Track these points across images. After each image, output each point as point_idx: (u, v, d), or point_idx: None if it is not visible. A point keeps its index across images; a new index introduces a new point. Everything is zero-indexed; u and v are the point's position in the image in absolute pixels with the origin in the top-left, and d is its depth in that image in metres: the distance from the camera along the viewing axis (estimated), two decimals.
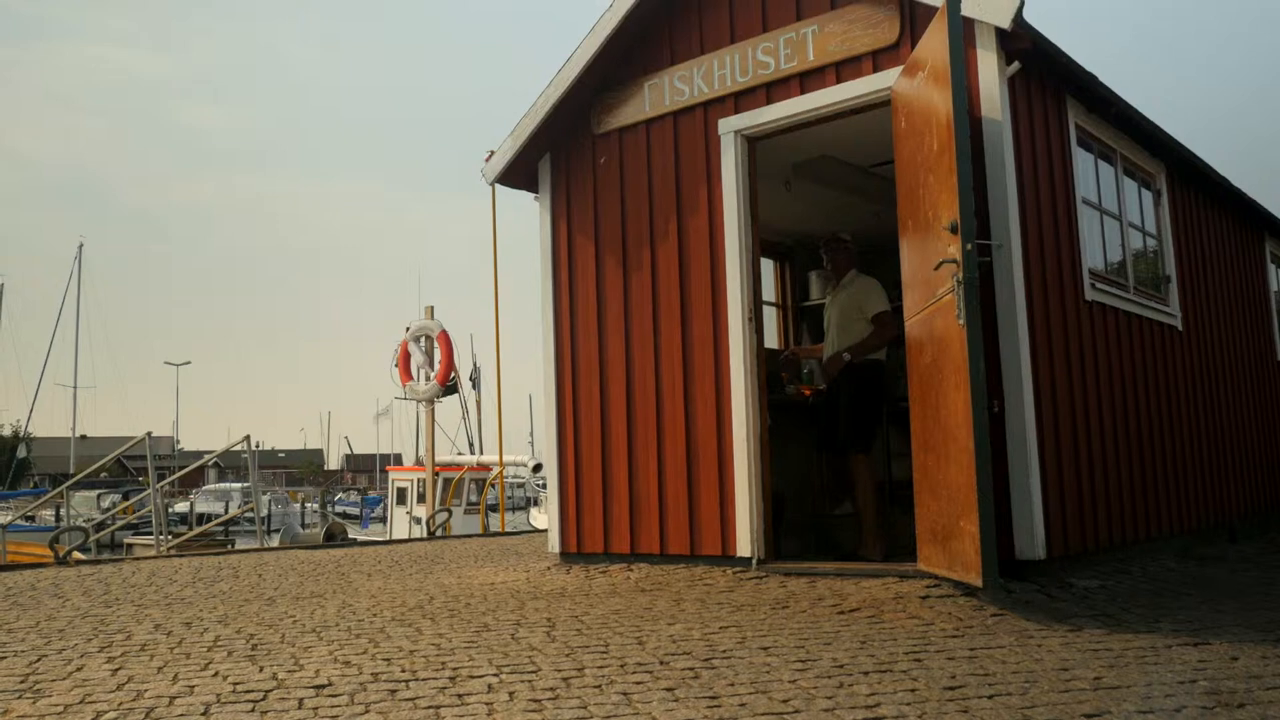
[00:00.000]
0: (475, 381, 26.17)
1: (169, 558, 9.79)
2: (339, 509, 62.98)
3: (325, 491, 29.85)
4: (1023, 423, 5.46)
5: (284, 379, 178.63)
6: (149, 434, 11.36)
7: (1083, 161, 6.78)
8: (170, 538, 14.30)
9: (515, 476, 25.32)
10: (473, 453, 24.69)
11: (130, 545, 15.53)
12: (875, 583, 5.67)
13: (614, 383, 7.15)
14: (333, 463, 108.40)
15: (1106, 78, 6.40)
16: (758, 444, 6.48)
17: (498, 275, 13.81)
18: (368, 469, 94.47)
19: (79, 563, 8.96)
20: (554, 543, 7.45)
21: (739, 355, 6.53)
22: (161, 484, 12.42)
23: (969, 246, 4.80)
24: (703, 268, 6.77)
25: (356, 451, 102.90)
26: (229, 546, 15.12)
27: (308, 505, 61.30)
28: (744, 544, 6.43)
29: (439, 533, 12.77)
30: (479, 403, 26.40)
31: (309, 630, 4.71)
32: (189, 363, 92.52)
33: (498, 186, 7.99)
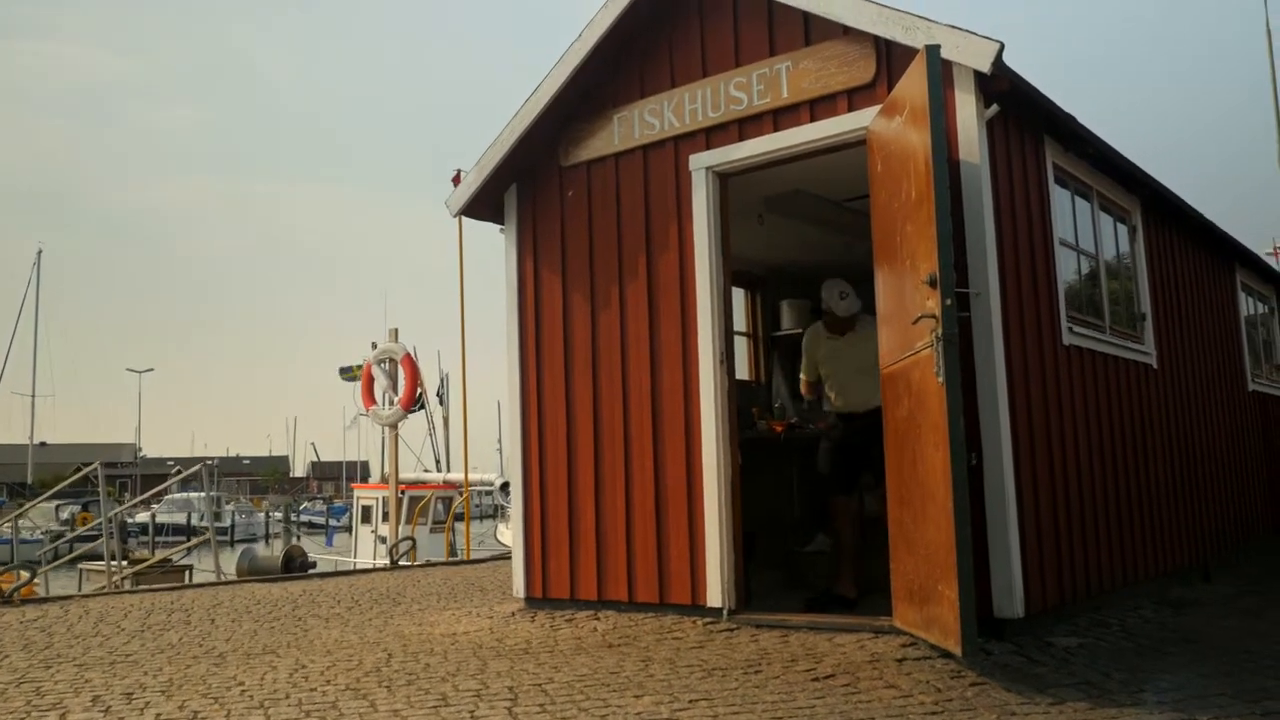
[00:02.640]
0: (442, 397, 25.85)
1: (120, 594, 9.47)
2: (304, 518, 62.30)
3: (289, 505, 29.27)
4: (1001, 476, 5.31)
5: (250, 384, 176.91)
6: (99, 464, 11.04)
7: (1060, 199, 6.66)
8: (126, 564, 13.93)
9: (483, 485, 25.02)
10: (439, 470, 24.37)
11: (84, 571, 15.15)
12: (850, 639, 5.50)
13: (581, 424, 6.94)
14: (299, 470, 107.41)
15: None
16: (729, 490, 6.30)
17: (464, 311, 13.57)
18: (334, 476, 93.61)
19: (24, 602, 8.62)
20: (519, 587, 7.23)
21: (710, 399, 6.34)
22: (116, 511, 12.06)
23: (949, 302, 4.64)
24: (673, 308, 6.58)
25: (323, 459, 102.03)
26: (187, 575, 14.76)
27: (272, 514, 60.63)
28: (714, 594, 6.24)
29: (403, 561, 12.51)
30: (446, 419, 26.10)
31: (256, 704, 4.46)
32: (152, 369, 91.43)
33: (463, 219, 7.76)
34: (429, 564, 13.91)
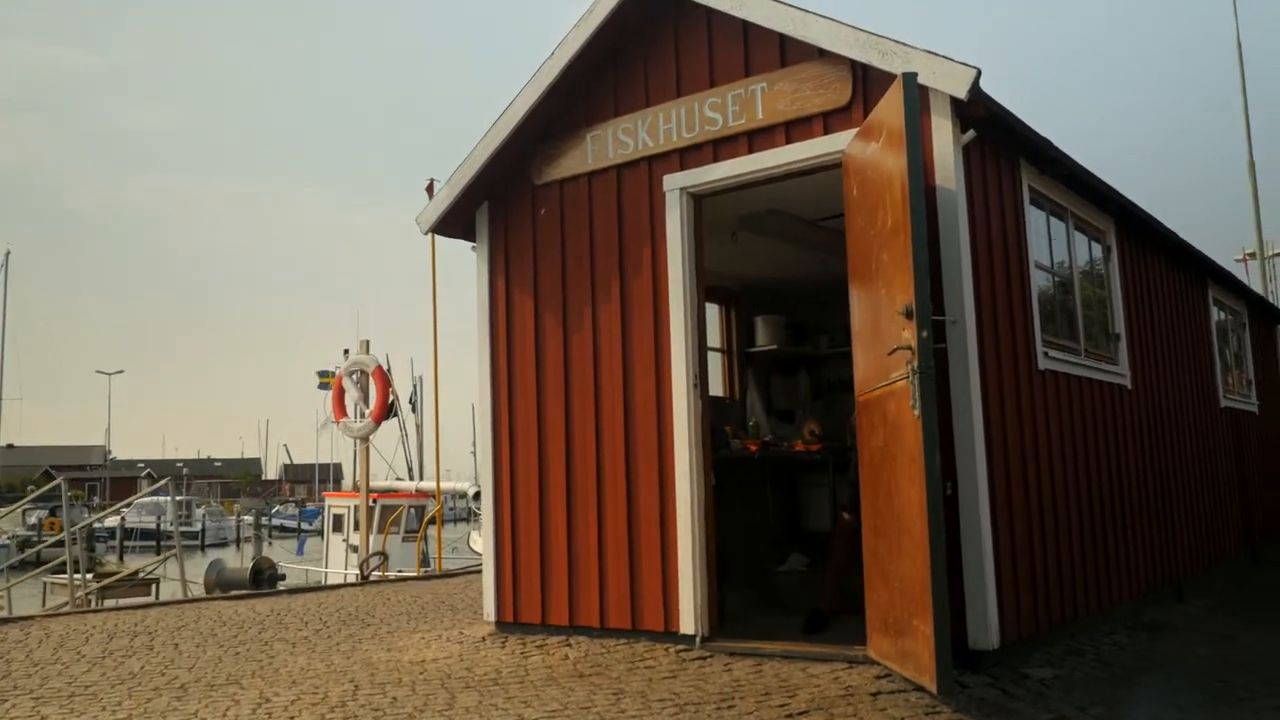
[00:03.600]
0: (415, 404, 25.67)
1: (83, 614, 9.29)
2: (276, 522, 61.85)
3: (259, 513, 28.98)
4: (976, 507, 5.25)
5: (222, 386, 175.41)
6: (63, 479, 10.85)
7: (1035, 219, 6.63)
8: (91, 578, 13.71)
9: (456, 493, 24.82)
10: (412, 479, 24.18)
11: (48, 585, 14.88)
12: (824, 670, 5.44)
13: (553, 446, 6.85)
14: (271, 472, 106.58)
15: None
16: (702, 516, 6.22)
17: (436, 330, 13.45)
18: (306, 479, 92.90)
19: None
20: (489, 610, 7.12)
21: (683, 423, 6.26)
22: (80, 525, 11.85)
23: (925, 334, 4.59)
24: (646, 330, 6.50)
25: (296, 461, 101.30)
26: (154, 588, 14.51)
27: (244, 519, 60.12)
28: (687, 621, 6.16)
29: (373, 576, 12.35)
30: (419, 426, 25.91)
31: None
32: (122, 371, 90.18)
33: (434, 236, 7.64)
34: (400, 576, 13.76)
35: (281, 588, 15.47)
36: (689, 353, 6.32)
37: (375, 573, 12.55)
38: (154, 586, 14.61)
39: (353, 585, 11.71)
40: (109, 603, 12.69)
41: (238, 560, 31.60)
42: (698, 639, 6.12)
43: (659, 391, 6.40)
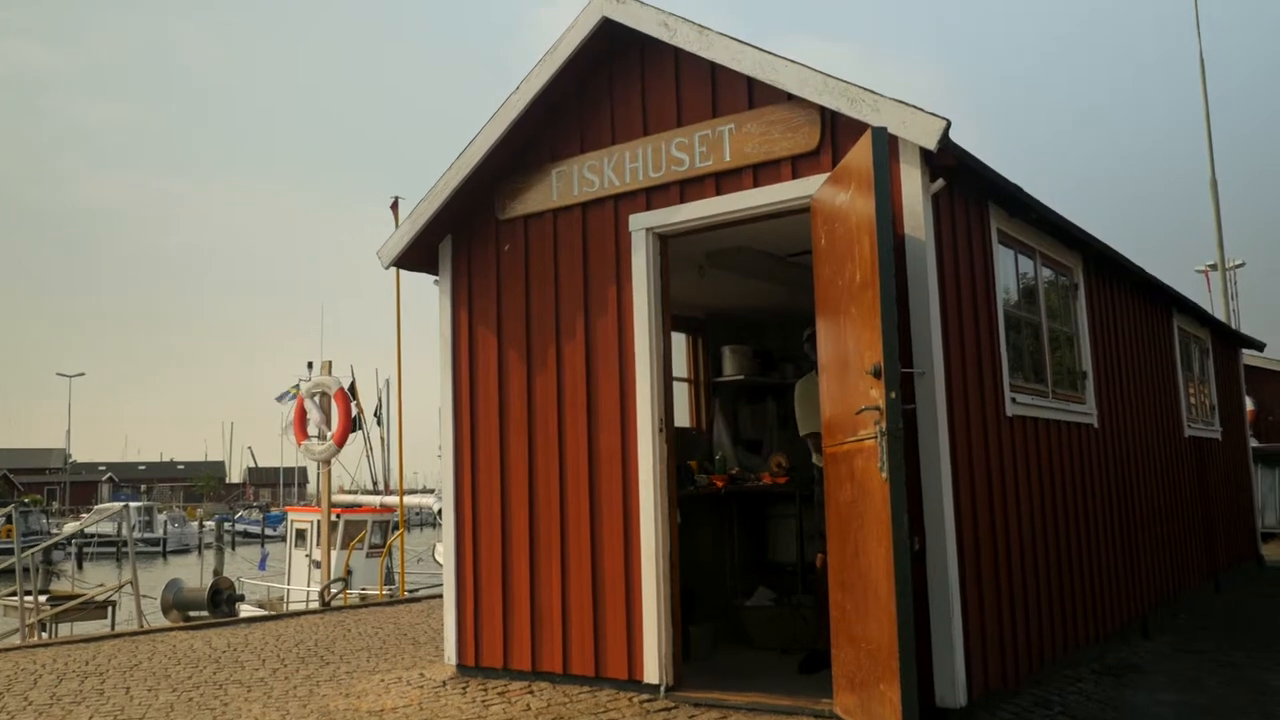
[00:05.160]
0: (380, 417, 25.39)
1: (33, 649, 9.05)
2: (240, 527, 61.28)
3: (222, 521, 28.47)
4: (944, 562, 5.18)
5: (186, 387, 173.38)
6: (14, 506, 10.60)
7: (1003, 259, 6.59)
8: (46, 601, 13.42)
9: (423, 508, 24.53)
10: (377, 492, 23.91)
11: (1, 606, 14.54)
12: None
13: (515, 488, 6.73)
14: (235, 475, 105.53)
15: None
16: (667, 562, 6.12)
17: (401, 360, 13.26)
18: (271, 483, 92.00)
19: None
20: (450, 653, 6.99)
21: (648, 467, 6.16)
22: (31, 551, 11.57)
23: (893, 395, 4.51)
24: (611, 370, 6.39)
25: (261, 464, 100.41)
26: (109, 612, 14.22)
27: (206, 525, 59.49)
28: (652, 669, 6.06)
29: (334, 602, 12.15)
30: (383, 439, 25.62)
31: None
32: (82, 374, 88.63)
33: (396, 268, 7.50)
34: (363, 598, 13.56)
35: (241, 610, 15.25)
36: (655, 395, 6.22)
37: (336, 599, 12.34)
38: (110, 609, 14.32)
39: (313, 612, 11.51)
40: (63, 630, 12.45)
41: (199, 568, 31.17)
42: (662, 688, 6.02)
43: (624, 433, 6.30)
